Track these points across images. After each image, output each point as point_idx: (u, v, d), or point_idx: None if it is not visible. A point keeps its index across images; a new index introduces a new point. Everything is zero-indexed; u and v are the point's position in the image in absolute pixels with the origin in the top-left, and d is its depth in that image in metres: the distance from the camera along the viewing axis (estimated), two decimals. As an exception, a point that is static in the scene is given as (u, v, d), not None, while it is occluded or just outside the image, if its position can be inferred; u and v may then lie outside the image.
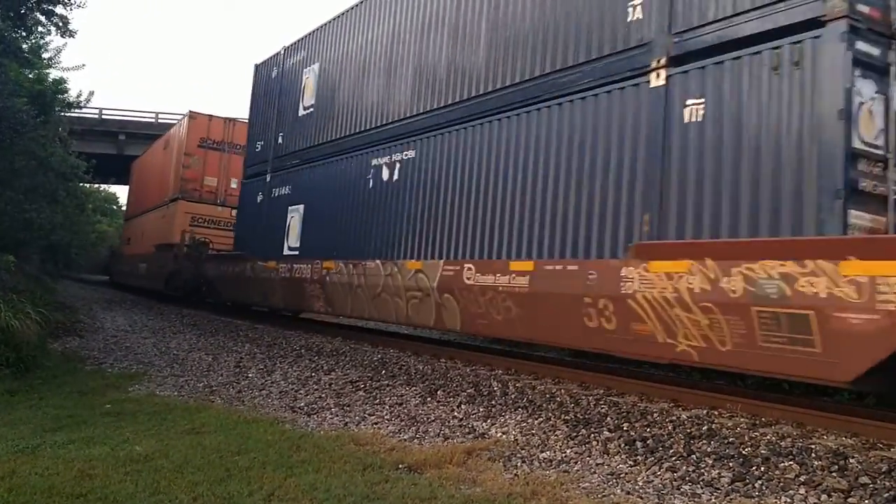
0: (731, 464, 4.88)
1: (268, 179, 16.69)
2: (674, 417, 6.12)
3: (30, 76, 18.22)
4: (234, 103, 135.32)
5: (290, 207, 15.17)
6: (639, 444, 5.46)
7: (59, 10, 14.84)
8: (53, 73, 21.13)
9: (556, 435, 5.85)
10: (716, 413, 6.33)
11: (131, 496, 4.20)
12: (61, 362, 9.85)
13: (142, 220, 29.53)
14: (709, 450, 5.18)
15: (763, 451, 5.02)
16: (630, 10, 7.79)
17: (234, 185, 21.78)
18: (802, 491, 4.37)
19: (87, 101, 25.32)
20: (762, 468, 4.75)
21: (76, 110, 25.24)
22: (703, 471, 4.82)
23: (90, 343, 12.22)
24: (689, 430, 5.66)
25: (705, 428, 5.71)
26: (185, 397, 7.70)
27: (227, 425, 6.16)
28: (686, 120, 6.97)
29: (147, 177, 29.93)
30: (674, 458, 5.08)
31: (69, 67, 21.07)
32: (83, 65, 22.33)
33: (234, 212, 20.81)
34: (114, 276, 37.10)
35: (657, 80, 7.31)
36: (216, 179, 22.79)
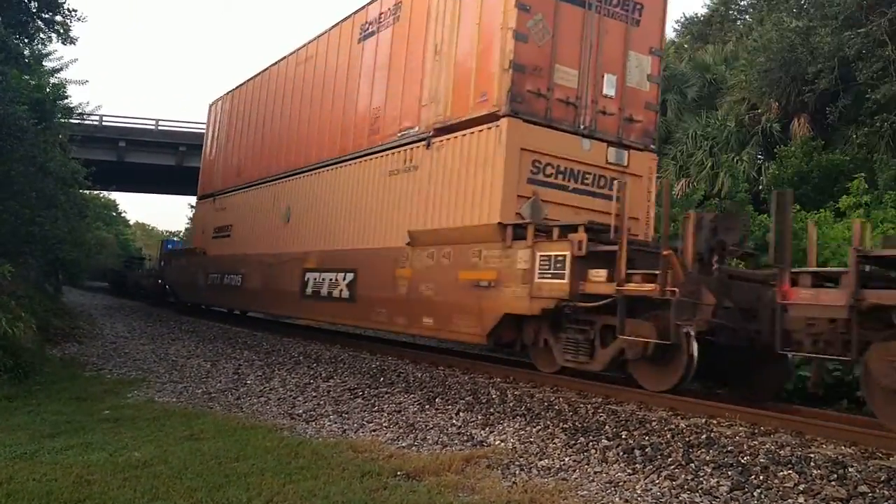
0: (729, 472, 4.87)
1: None
2: (672, 426, 6.12)
3: (31, 82, 18.28)
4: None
5: None
6: (637, 452, 5.45)
7: (59, 17, 14.94)
8: (53, 81, 21.23)
9: (554, 443, 5.85)
10: (714, 422, 6.34)
11: (130, 502, 4.19)
12: (60, 368, 9.85)
13: (294, 187, 15.47)
14: (707, 458, 5.18)
15: (762, 460, 5.02)
16: None
17: (609, 92, 10.44)
18: (801, 500, 4.37)
19: (92, 113, 25.19)
20: (761, 477, 4.75)
21: (77, 117, 25.15)
22: (701, 479, 4.81)
23: (89, 349, 12.21)
24: (687, 439, 5.66)
25: (704, 436, 5.71)
26: (183, 403, 7.70)
27: (225, 432, 6.15)
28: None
29: (287, 105, 16.48)
30: (672, 467, 5.08)
31: (73, 81, 21.17)
32: (86, 80, 21.52)
33: (614, 154, 10.32)
34: (182, 292, 23.07)
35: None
36: (576, 74, 10.13)
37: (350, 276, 12.18)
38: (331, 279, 12.74)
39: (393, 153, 11.70)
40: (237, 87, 20.27)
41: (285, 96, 16.73)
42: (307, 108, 15.31)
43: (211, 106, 22.33)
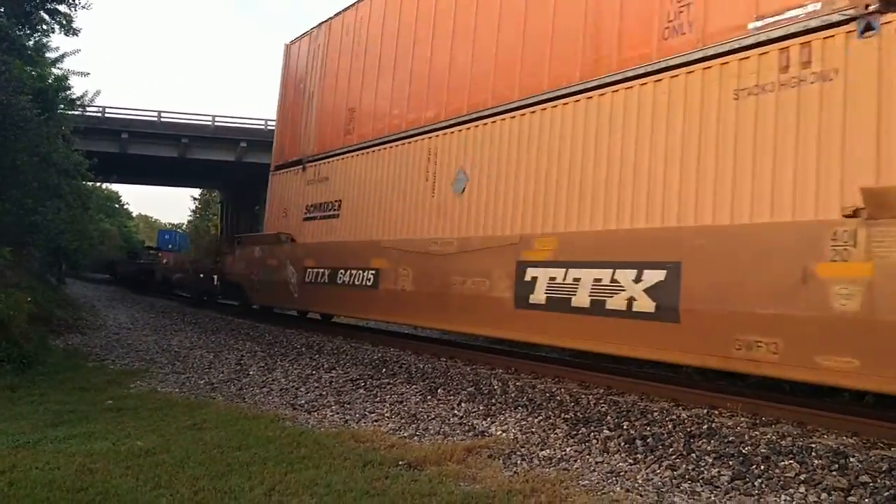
0: (731, 462, 4.88)
1: None
2: (674, 416, 6.13)
3: (33, 73, 18.25)
4: (241, 103, 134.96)
5: None
6: (639, 442, 5.46)
7: (62, 8, 14.90)
8: (55, 72, 21.19)
9: (556, 433, 5.86)
10: (716, 412, 6.35)
11: (132, 490, 4.21)
12: (63, 359, 9.87)
13: (475, 139, 10.42)
14: (709, 448, 5.18)
15: (763, 450, 5.02)
16: None
17: None
18: (802, 489, 4.37)
19: (92, 100, 25.03)
20: (762, 467, 4.76)
21: (80, 108, 25.04)
22: (702, 469, 4.82)
23: (92, 340, 12.25)
24: (689, 429, 5.67)
25: (705, 427, 5.72)
26: (186, 394, 7.72)
27: (228, 421, 6.17)
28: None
29: (447, 24, 11.32)
30: (674, 457, 5.09)
31: (75, 72, 21.07)
32: (88, 73, 21.30)
33: None
34: (254, 293, 17.35)
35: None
36: None
37: (657, 274, 7.33)
38: (596, 279, 7.98)
39: (741, 59, 7.00)
40: (339, 13, 14.88)
41: (438, 11, 11.49)
42: (492, 21, 10.33)
43: (289, 46, 17.07)
